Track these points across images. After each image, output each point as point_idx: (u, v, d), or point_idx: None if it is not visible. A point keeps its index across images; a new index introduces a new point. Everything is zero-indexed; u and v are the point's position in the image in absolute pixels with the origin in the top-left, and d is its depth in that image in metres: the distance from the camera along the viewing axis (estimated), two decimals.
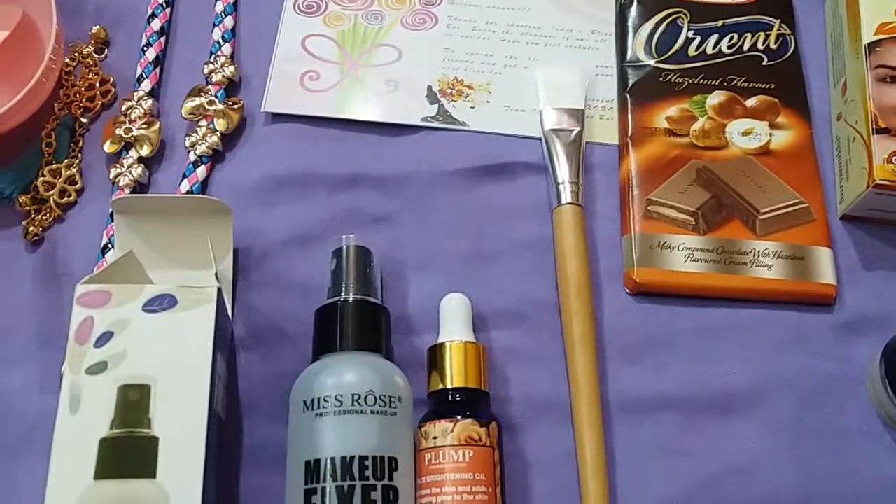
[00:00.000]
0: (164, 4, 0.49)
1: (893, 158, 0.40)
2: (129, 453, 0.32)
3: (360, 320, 0.37)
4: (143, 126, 0.45)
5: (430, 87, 0.47)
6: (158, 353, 0.34)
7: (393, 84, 0.47)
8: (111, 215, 0.42)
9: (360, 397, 0.34)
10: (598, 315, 0.41)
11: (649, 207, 0.42)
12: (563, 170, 0.43)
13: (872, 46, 0.44)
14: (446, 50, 0.48)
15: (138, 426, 0.32)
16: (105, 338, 0.34)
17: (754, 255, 0.41)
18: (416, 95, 0.46)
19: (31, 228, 0.43)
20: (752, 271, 0.41)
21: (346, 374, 0.35)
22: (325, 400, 0.34)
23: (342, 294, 0.38)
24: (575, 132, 0.44)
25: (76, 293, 0.35)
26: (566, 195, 0.42)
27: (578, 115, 0.45)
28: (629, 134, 0.45)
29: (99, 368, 0.33)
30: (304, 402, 0.35)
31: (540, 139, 0.45)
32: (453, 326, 0.39)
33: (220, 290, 0.35)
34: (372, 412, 0.34)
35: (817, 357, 0.40)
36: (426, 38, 0.48)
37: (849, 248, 0.43)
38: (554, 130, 0.44)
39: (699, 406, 0.39)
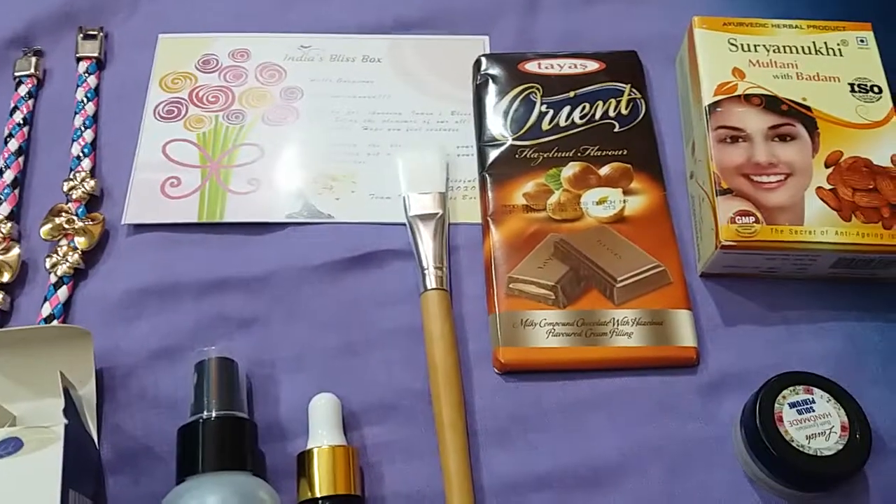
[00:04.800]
0: (22, 123, 0.49)
1: (737, 219, 0.42)
2: None
3: (222, 438, 0.37)
4: (2, 252, 0.44)
5: (294, 183, 0.47)
6: (5, 501, 0.33)
7: (256, 183, 0.47)
8: None
9: None
10: (468, 398, 0.41)
11: (511, 285, 0.43)
12: (427, 255, 0.44)
13: (713, 107, 0.45)
14: (309, 143, 0.48)
15: None
16: None
17: (614, 325, 0.42)
18: (279, 192, 0.47)
19: None
20: (613, 340, 0.41)
21: (207, 498, 0.35)
22: None
23: (204, 411, 0.37)
24: (438, 216, 0.45)
25: None
26: (431, 281, 0.43)
27: (440, 199, 0.46)
28: (490, 212, 0.45)
29: None
30: None
31: (405, 225, 0.46)
32: (321, 430, 0.39)
33: (68, 425, 0.35)
34: None
35: (683, 421, 0.41)
36: (288, 132, 0.49)
37: (710, 306, 0.44)
38: (417, 216, 0.45)
39: (570, 483, 0.39)
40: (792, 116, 0.45)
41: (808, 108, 0.45)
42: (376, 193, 0.47)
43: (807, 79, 0.46)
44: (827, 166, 0.43)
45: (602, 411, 0.41)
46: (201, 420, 0.37)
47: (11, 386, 0.39)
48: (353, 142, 0.49)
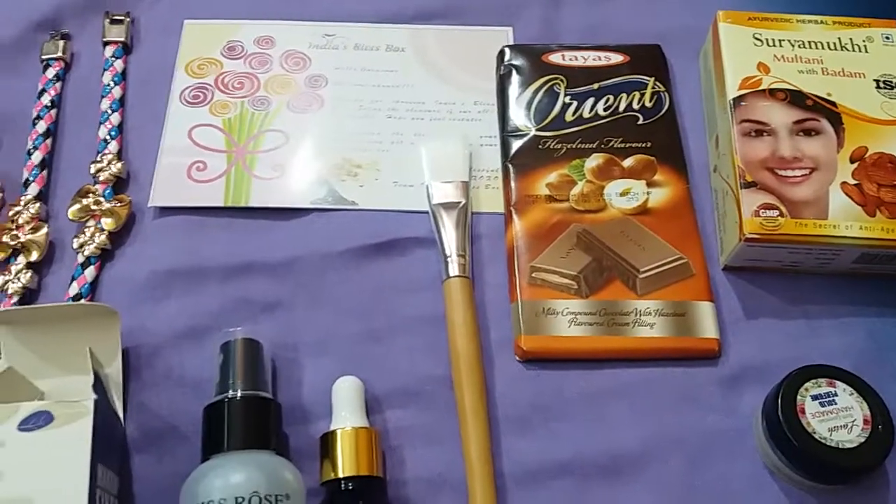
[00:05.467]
0: (50, 105, 0.49)
1: (761, 212, 0.42)
2: None
3: (247, 417, 0.37)
4: (31, 231, 0.45)
5: (318, 169, 0.47)
6: (35, 473, 0.33)
7: (281, 168, 0.47)
8: None
9: (244, 500, 0.34)
10: (490, 385, 0.41)
11: (533, 274, 0.43)
12: (450, 243, 0.44)
13: (737, 101, 0.45)
14: (333, 131, 0.49)
15: None
16: None
17: (636, 315, 0.42)
18: (304, 179, 0.47)
19: None
20: (635, 331, 0.42)
21: (232, 475, 0.35)
22: None
23: (229, 391, 0.38)
24: (460, 205, 0.45)
25: None
26: (454, 268, 0.43)
27: (463, 188, 0.46)
28: (513, 202, 0.46)
29: None
30: None
31: (428, 213, 0.46)
32: (344, 412, 0.39)
33: (97, 400, 0.35)
34: None
35: (704, 412, 0.41)
36: (313, 120, 0.49)
37: (731, 299, 0.44)
38: (440, 204, 0.45)
39: (590, 471, 0.39)
40: (817, 111, 0.45)
41: (833, 104, 0.45)
42: (400, 181, 0.47)
43: (832, 74, 0.46)
44: (852, 161, 0.43)
45: (623, 401, 0.41)
46: (227, 399, 0.37)
47: (39, 362, 0.40)
48: (377, 130, 0.49)
